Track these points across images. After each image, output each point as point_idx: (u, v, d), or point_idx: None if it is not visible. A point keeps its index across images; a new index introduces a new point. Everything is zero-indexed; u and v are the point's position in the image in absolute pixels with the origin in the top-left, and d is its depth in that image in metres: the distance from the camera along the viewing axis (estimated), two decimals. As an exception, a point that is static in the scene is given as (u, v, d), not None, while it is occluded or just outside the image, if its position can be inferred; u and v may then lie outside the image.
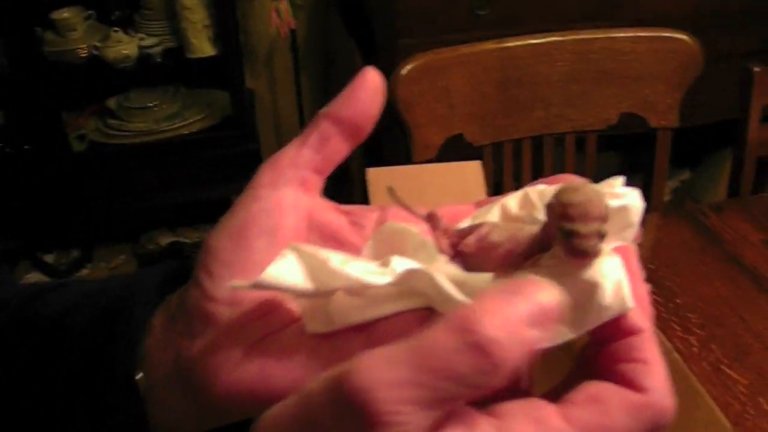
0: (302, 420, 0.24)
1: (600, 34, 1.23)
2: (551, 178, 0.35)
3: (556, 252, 0.28)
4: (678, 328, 1.00)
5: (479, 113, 1.23)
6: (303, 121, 2.24)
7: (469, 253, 0.31)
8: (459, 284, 0.29)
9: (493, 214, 0.34)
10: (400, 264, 0.30)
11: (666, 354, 0.65)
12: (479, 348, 0.23)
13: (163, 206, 2.18)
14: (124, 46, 1.95)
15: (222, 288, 0.32)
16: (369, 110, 0.35)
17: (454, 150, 1.23)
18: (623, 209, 0.31)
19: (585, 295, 0.27)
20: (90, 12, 2.02)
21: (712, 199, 2.29)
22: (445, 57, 1.18)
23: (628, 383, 0.26)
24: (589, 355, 0.29)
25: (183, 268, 0.36)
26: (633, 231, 0.31)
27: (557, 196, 0.27)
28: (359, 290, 0.30)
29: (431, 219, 0.33)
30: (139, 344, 0.34)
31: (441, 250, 0.32)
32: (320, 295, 0.31)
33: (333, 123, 0.35)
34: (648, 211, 1.44)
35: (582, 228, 0.27)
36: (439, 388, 0.23)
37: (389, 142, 1.82)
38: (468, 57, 1.20)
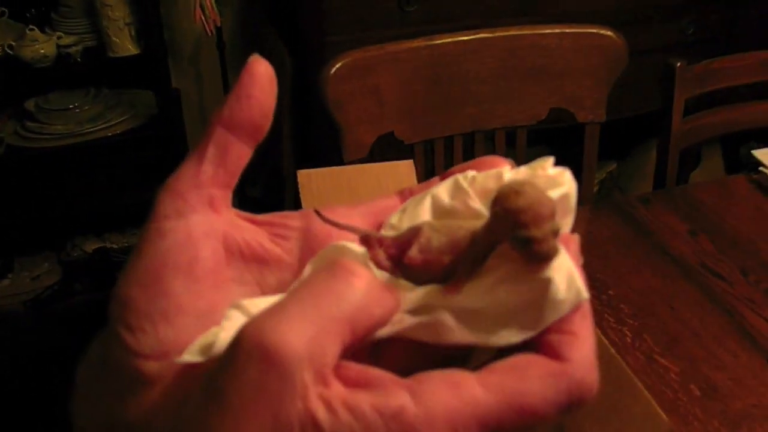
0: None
1: (528, 31, 1.24)
2: (477, 161, 0.34)
3: (503, 251, 0.28)
4: (611, 319, 1.02)
5: (410, 111, 1.22)
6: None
7: (411, 265, 0.30)
8: (408, 298, 0.29)
9: (424, 207, 0.32)
10: None
11: (603, 350, 0.65)
12: None
13: (88, 211, 2.12)
14: (41, 45, 1.89)
15: (146, 343, 0.29)
16: (265, 106, 0.32)
17: (386, 148, 1.23)
18: (563, 197, 0.30)
19: (539, 292, 0.27)
20: (2, 9, 1.94)
21: (638, 190, 2.35)
22: (374, 55, 1.17)
23: (552, 353, 0.26)
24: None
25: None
26: (572, 217, 0.31)
27: (502, 203, 0.27)
28: None
29: (366, 240, 0.31)
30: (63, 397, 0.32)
31: (380, 267, 0.30)
32: None
33: (229, 129, 0.32)
34: (578, 204, 1.47)
35: (537, 233, 0.26)
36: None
37: (321, 141, 1.80)
38: (397, 54, 1.19)
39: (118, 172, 2.04)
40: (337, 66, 1.15)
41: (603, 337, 0.59)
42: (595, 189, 2.39)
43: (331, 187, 0.86)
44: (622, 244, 1.16)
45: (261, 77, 0.32)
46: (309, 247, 0.33)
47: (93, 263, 2.18)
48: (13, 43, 1.89)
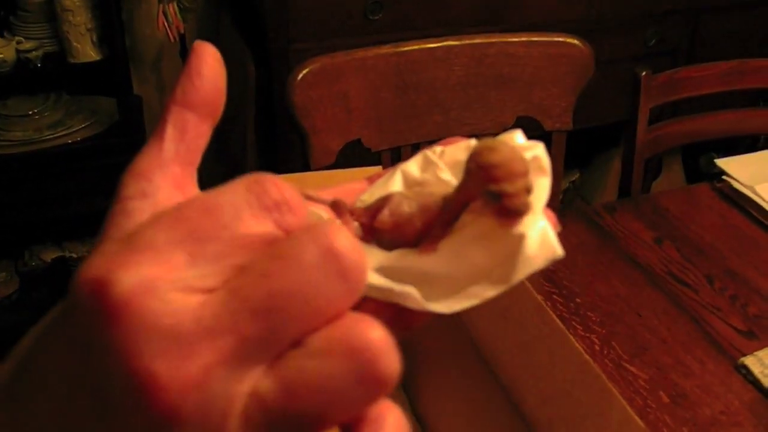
0: None
1: (495, 39, 1.24)
2: (443, 141, 0.34)
3: (475, 208, 0.28)
4: (579, 327, 1.02)
5: (377, 118, 1.21)
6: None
7: (384, 230, 0.29)
8: (383, 265, 0.28)
9: (395, 182, 0.32)
10: None
11: (577, 356, 0.65)
12: None
13: (48, 220, 2.07)
14: (0, 50, 1.84)
15: None
16: (216, 83, 0.32)
17: (353, 155, 1.22)
18: (534, 159, 0.31)
19: (512, 247, 0.27)
20: (-40, 13, 1.90)
21: (600, 199, 2.37)
22: (341, 61, 1.16)
23: None
24: None
25: None
26: (547, 179, 0.30)
27: (476, 158, 0.27)
28: None
29: (336, 207, 0.31)
30: None
31: (352, 234, 0.30)
32: None
33: (185, 107, 0.32)
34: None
35: (510, 187, 0.26)
36: None
37: (286, 148, 1.79)
38: (364, 61, 1.18)
39: (78, 180, 2.00)
40: (305, 72, 1.13)
41: (576, 344, 0.58)
42: (559, 198, 2.40)
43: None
44: (589, 252, 1.17)
45: (208, 56, 0.32)
46: None
47: (51, 273, 2.13)
48: (-29, 48, 1.85)
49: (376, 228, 0.30)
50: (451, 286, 0.27)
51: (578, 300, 1.07)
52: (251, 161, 1.93)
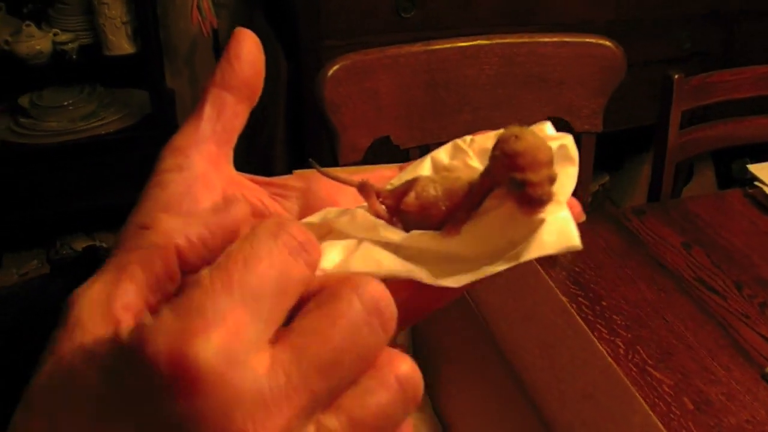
0: None
1: (526, 39, 1.24)
2: (477, 134, 0.35)
3: (499, 194, 0.28)
4: (604, 330, 1.01)
5: (406, 115, 1.22)
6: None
7: (408, 211, 0.30)
8: (402, 246, 0.29)
9: (424, 167, 0.33)
10: (329, 248, 0.29)
11: (600, 360, 0.65)
12: None
13: (80, 210, 2.10)
14: (37, 41, 1.87)
15: None
16: (255, 66, 0.34)
17: (382, 152, 1.22)
18: (561, 147, 0.31)
19: (530, 231, 0.27)
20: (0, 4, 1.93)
21: (630, 203, 2.35)
22: (372, 58, 1.16)
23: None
24: None
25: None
26: (575, 169, 0.31)
27: (501, 146, 0.27)
28: None
29: (363, 188, 0.31)
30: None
31: (377, 215, 0.31)
32: None
33: (223, 89, 0.33)
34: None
35: (533, 176, 0.26)
36: None
37: (314, 143, 1.80)
38: (395, 59, 1.19)
39: (110, 171, 2.03)
40: (335, 68, 1.14)
41: (599, 346, 0.58)
42: (588, 200, 2.39)
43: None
44: (616, 255, 1.16)
45: (248, 41, 0.33)
46: (309, 206, 0.34)
47: (81, 261, 2.16)
48: (9, 39, 1.88)
49: (402, 210, 0.30)
50: (469, 267, 0.28)
51: (604, 303, 1.06)
52: (280, 156, 1.95)
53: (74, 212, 2.14)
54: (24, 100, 2.04)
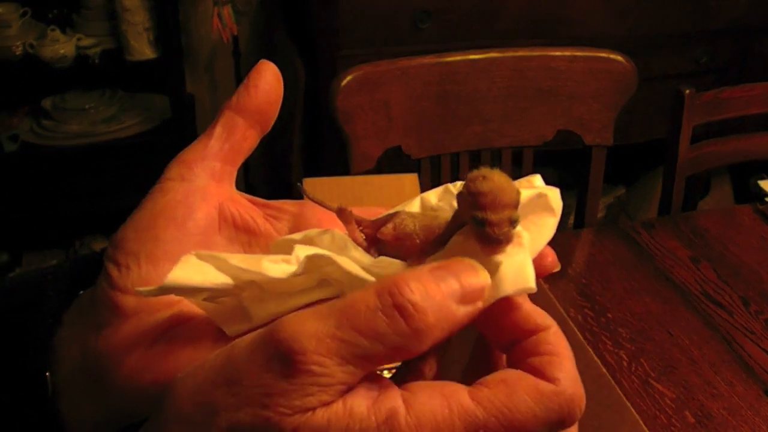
0: (227, 368, 0.26)
1: (537, 52, 1.25)
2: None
3: (466, 230, 0.29)
4: (608, 342, 1.02)
5: (418, 126, 1.23)
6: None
7: (385, 241, 0.31)
8: (368, 269, 0.30)
9: (413, 206, 0.34)
10: (304, 252, 0.30)
11: (594, 369, 0.66)
12: (401, 309, 0.25)
13: (99, 211, 2.13)
14: (61, 46, 1.91)
15: (129, 278, 0.32)
16: (270, 97, 0.36)
17: (394, 162, 1.24)
18: (541, 196, 0.32)
19: (488, 270, 0.28)
20: (25, 9, 1.97)
21: (645, 216, 2.35)
22: (384, 69, 1.18)
23: (539, 374, 0.27)
24: (495, 356, 0.30)
25: (93, 265, 0.35)
26: (554, 220, 0.32)
27: (467, 185, 0.28)
28: (271, 283, 0.30)
29: (341, 213, 0.33)
30: (49, 340, 0.33)
31: (356, 242, 0.32)
32: (229, 293, 0.30)
33: (236, 113, 0.36)
34: (582, 227, 1.46)
35: (493, 216, 0.27)
36: (360, 344, 0.25)
37: (330, 151, 1.82)
38: (407, 70, 1.20)
39: (129, 174, 2.06)
40: (348, 79, 1.16)
41: (594, 356, 0.59)
42: (602, 213, 2.38)
43: (334, 197, 0.88)
44: (624, 268, 1.17)
45: (267, 73, 0.36)
46: (299, 229, 0.35)
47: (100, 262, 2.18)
48: (34, 43, 1.92)
49: (379, 239, 0.32)
50: None
51: (609, 315, 1.07)
52: (296, 163, 1.97)
53: (94, 213, 2.17)
54: (47, 103, 2.08)
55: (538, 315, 0.29)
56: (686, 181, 1.37)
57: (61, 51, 1.91)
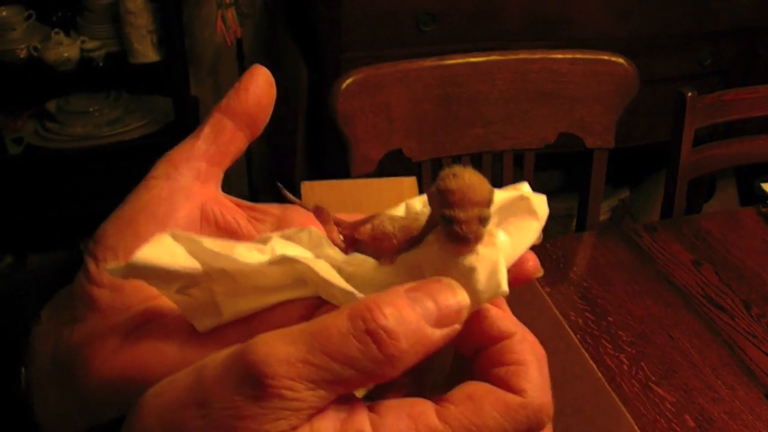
0: (197, 389, 0.25)
1: (539, 55, 1.25)
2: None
3: (439, 229, 0.28)
4: (609, 345, 1.02)
5: (418, 129, 1.23)
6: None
7: (362, 241, 0.31)
8: (341, 266, 0.29)
9: (397, 211, 0.34)
10: (281, 245, 0.30)
11: (590, 373, 0.66)
12: (373, 335, 0.25)
13: (102, 213, 2.12)
14: (65, 48, 1.92)
15: (105, 273, 0.32)
16: (261, 100, 0.36)
17: (395, 165, 1.24)
18: (523, 198, 0.31)
19: (462, 279, 0.28)
20: (30, 12, 1.98)
21: (649, 218, 2.34)
22: (385, 72, 1.18)
23: (504, 385, 0.27)
24: (466, 362, 0.30)
25: (76, 264, 0.35)
26: (537, 224, 0.31)
27: (437, 183, 0.28)
28: (244, 275, 0.30)
29: (318, 212, 0.33)
30: (27, 335, 0.33)
31: (333, 242, 0.32)
32: (198, 281, 0.30)
33: (225, 115, 0.36)
34: (583, 229, 1.45)
35: (461, 214, 0.27)
36: (331, 369, 0.25)
37: (333, 152, 1.82)
38: (408, 73, 1.20)
39: (133, 176, 2.03)
40: (348, 81, 1.16)
41: (590, 361, 0.59)
42: (607, 216, 2.38)
43: (333, 200, 0.88)
44: (625, 271, 1.16)
45: (260, 77, 0.36)
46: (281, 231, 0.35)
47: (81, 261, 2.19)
48: (39, 45, 1.93)
49: (357, 239, 0.32)
50: None
51: (610, 318, 1.07)
52: (299, 164, 1.97)
53: (98, 215, 2.15)
54: (51, 105, 2.09)
55: (502, 321, 0.29)
56: (690, 183, 1.37)
57: (65, 54, 1.92)
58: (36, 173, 2.06)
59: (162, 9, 1.92)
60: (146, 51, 1.95)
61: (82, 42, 1.95)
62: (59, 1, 2.03)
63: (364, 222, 0.32)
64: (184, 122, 2.06)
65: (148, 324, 0.31)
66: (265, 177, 2.24)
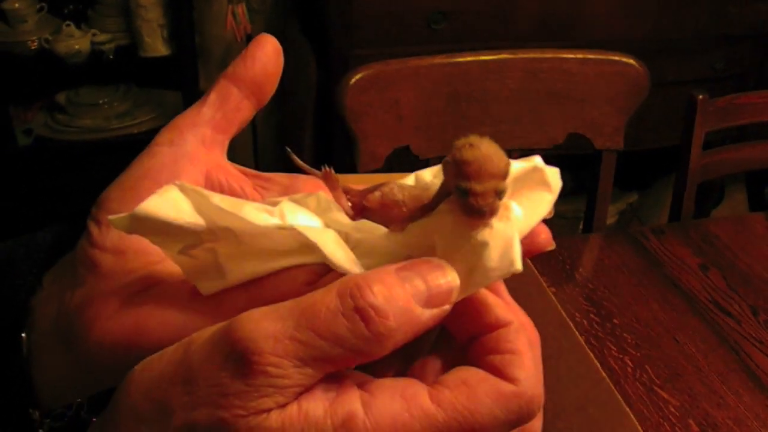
0: (184, 366, 0.25)
1: (549, 54, 1.24)
2: None
3: (453, 199, 0.28)
4: (614, 348, 1.01)
5: (427, 126, 1.23)
6: (255, 124, 2.23)
7: (371, 208, 0.30)
8: (350, 234, 0.29)
9: (407, 181, 0.33)
10: (290, 208, 0.30)
11: (594, 373, 0.65)
12: (362, 313, 0.25)
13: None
14: (76, 41, 1.92)
15: (108, 237, 0.31)
16: (267, 68, 0.36)
17: (403, 162, 1.23)
18: (537, 170, 0.31)
19: (474, 255, 0.27)
20: (42, 4, 1.98)
21: (658, 222, 2.33)
22: (394, 69, 1.17)
23: (498, 373, 0.27)
24: (462, 348, 0.30)
25: (75, 232, 0.35)
26: (550, 195, 0.30)
27: (453, 153, 0.27)
28: (250, 236, 0.29)
29: (327, 178, 0.32)
30: (28, 301, 0.33)
31: (342, 208, 0.31)
32: (201, 238, 0.29)
33: (232, 82, 0.35)
34: (590, 231, 1.44)
35: (477, 186, 0.26)
36: (318, 347, 0.24)
37: (341, 149, 1.82)
38: (418, 70, 1.20)
39: (141, 170, 2.06)
40: (358, 77, 1.15)
41: (595, 361, 0.59)
42: (615, 219, 2.37)
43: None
44: (632, 274, 1.16)
45: (267, 45, 0.36)
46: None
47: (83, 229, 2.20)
48: (50, 38, 1.93)
49: (365, 207, 0.31)
50: None
51: (615, 321, 1.06)
52: (307, 160, 1.97)
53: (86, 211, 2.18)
54: (61, 98, 2.09)
55: (499, 309, 0.28)
56: (699, 188, 1.36)
57: (76, 46, 1.92)
58: (45, 165, 2.07)
59: (173, 3, 1.92)
60: (156, 45, 1.95)
61: (93, 35, 1.96)
62: (71, -7, 2.04)
63: (372, 189, 0.31)
64: (194, 117, 2.06)
65: (150, 288, 0.31)
66: (273, 170, 2.24)
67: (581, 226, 1.48)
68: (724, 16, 1.91)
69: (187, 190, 0.29)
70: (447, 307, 0.27)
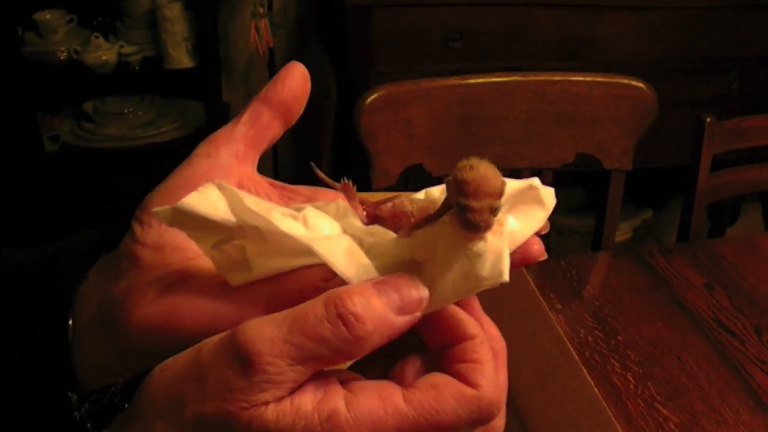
0: (196, 365, 0.30)
1: (559, 77, 1.27)
2: None
3: (453, 215, 0.31)
4: (617, 364, 1.03)
5: (439, 145, 1.26)
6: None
7: (383, 217, 0.35)
8: (363, 238, 0.33)
9: (418, 195, 0.37)
10: (312, 214, 0.34)
11: (587, 388, 0.68)
12: (343, 319, 0.29)
13: (133, 212, 2.18)
14: (104, 52, 1.97)
15: (149, 235, 0.36)
16: (295, 93, 0.40)
17: (416, 178, 1.26)
18: (532, 188, 0.35)
19: (469, 263, 0.31)
20: (72, 16, 2.04)
21: (671, 241, 2.34)
22: (407, 90, 1.21)
23: (463, 379, 0.32)
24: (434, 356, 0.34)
25: (114, 233, 0.39)
26: (543, 213, 0.34)
27: (454, 173, 0.31)
28: (275, 236, 0.33)
29: (346, 189, 0.37)
30: (73, 292, 0.37)
31: (358, 216, 0.35)
32: (232, 235, 0.33)
33: (263, 104, 0.40)
34: (599, 249, 1.46)
35: (474, 203, 0.30)
36: (308, 348, 0.29)
37: (359, 164, 1.85)
38: (430, 91, 1.23)
39: (163, 177, 2.10)
40: (373, 97, 1.19)
41: (588, 377, 0.61)
42: (629, 235, 2.38)
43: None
44: (637, 292, 1.18)
45: (296, 72, 0.40)
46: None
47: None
48: (79, 48, 1.98)
49: (378, 216, 0.35)
50: (412, 269, 0.32)
51: (619, 338, 1.08)
52: (326, 175, 2.00)
53: (128, 214, 2.22)
54: (88, 106, 2.15)
55: (468, 324, 0.33)
56: (714, 207, 1.38)
57: (104, 57, 1.97)
58: (70, 171, 2.12)
59: (198, 17, 1.97)
60: (181, 57, 2.00)
61: (120, 46, 2.01)
62: (100, 6, 2.09)
63: (386, 201, 0.35)
64: (215, 127, 2.03)
65: (184, 280, 0.35)
66: (294, 182, 2.27)
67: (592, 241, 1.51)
68: (738, 37, 1.92)
69: (224, 188, 0.33)
70: (418, 314, 0.31)
